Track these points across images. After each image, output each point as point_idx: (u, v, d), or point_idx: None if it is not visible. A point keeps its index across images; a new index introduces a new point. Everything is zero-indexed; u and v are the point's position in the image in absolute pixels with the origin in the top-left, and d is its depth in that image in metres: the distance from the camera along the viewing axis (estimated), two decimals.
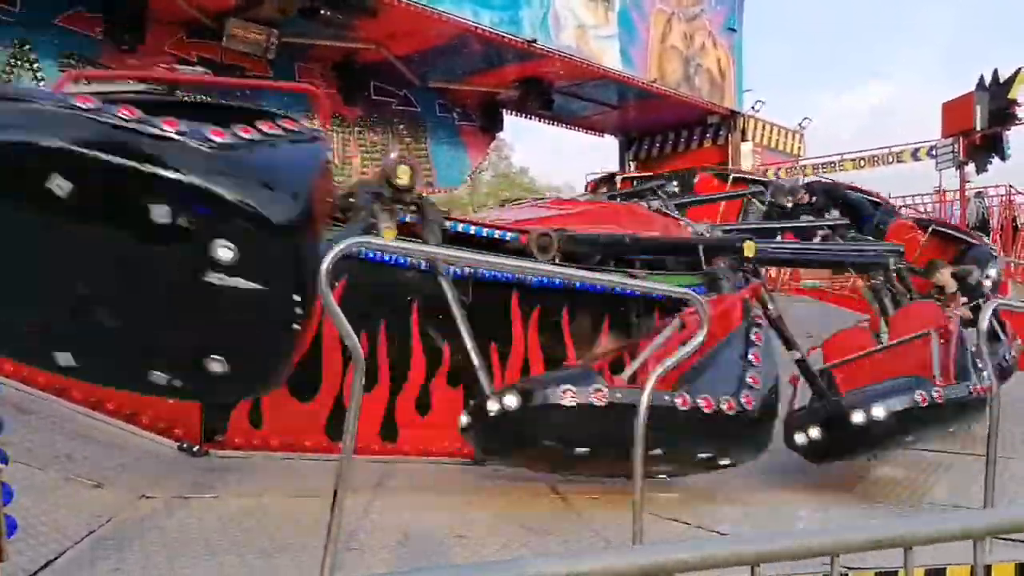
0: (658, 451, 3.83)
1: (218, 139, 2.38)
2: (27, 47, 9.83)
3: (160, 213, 2.29)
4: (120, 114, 2.27)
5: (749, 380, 4.19)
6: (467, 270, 4.72)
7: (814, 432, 4.70)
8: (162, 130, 2.29)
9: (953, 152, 16.02)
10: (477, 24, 11.35)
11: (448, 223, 4.96)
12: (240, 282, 2.39)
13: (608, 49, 13.52)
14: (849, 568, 3.26)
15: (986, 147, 16.08)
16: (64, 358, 2.55)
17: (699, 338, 3.36)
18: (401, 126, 13.62)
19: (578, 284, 4.95)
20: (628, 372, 4.16)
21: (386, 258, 4.69)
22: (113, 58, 10.36)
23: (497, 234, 5.15)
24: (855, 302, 9.13)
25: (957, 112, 15.96)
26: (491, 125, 15.05)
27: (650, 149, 17.25)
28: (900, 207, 12.85)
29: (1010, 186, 16.52)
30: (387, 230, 4.39)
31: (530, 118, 15.82)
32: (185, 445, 4.47)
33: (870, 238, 7.83)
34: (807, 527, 4.20)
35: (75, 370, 2.64)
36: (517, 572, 1.50)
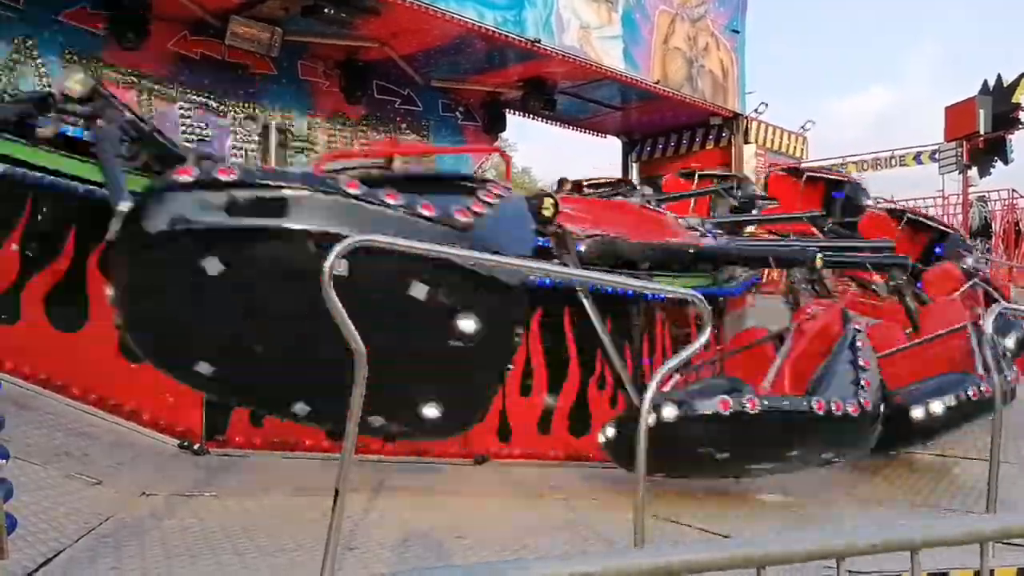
0: (793, 452, 4.42)
1: (463, 219, 2.83)
2: (30, 43, 9.83)
3: (418, 291, 2.76)
4: (388, 200, 2.73)
5: (863, 383, 4.49)
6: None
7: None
8: (421, 215, 2.75)
9: (956, 156, 16.01)
10: (481, 24, 11.35)
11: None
12: (475, 345, 2.82)
13: (611, 50, 13.51)
14: (853, 572, 3.25)
15: (989, 151, 16.08)
16: (300, 407, 3.03)
17: (703, 338, 3.36)
18: (404, 125, 13.62)
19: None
20: (768, 380, 4.42)
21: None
22: (116, 56, 10.37)
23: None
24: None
25: (960, 116, 15.96)
26: (494, 125, 15.04)
27: (653, 150, 17.22)
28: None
29: (1013, 190, 16.50)
30: None
31: (533, 118, 15.81)
32: (186, 443, 4.46)
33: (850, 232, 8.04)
34: (812, 530, 4.19)
35: (306, 417, 3.11)
36: (517, 573, 1.49)
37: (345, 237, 2.40)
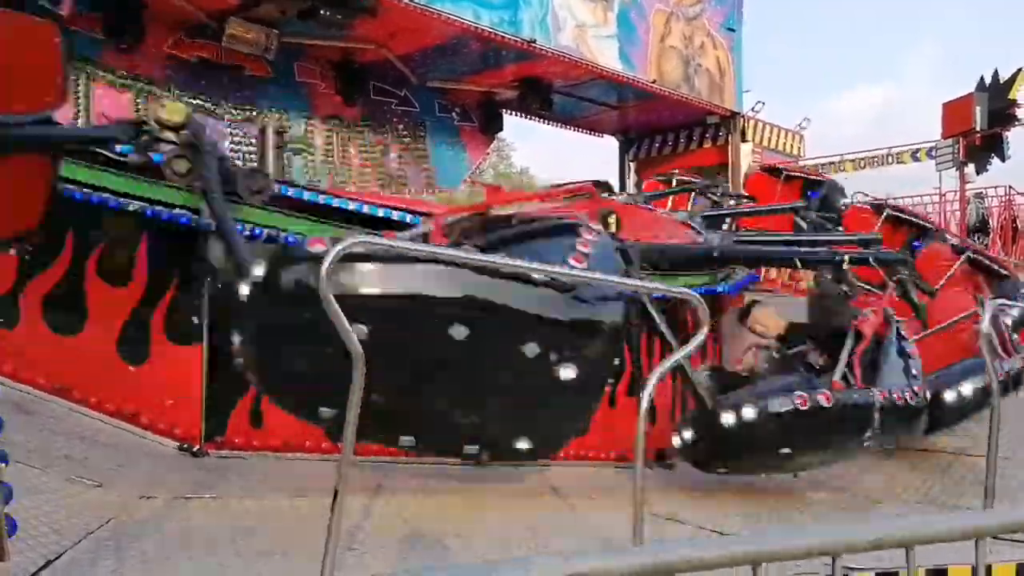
0: (869, 443, 4.64)
1: (578, 265, 3.18)
2: None
3: (530, 350, 3.12)
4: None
5: (915, 372, 4.80)
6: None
7: None
8: (534, 281, 3.07)
9: (953, 153, 16.00)
10: (477, 24, 11.34)
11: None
12: (571, 389, 3.10)
13: (607, 49, 13.49)
14: (850, 568, 3.26)
15: (986, 148, 16.05)
16: (407, 440, 3.37)
17: (699, 337, 3.37)
18: (400, 126, 13.60)
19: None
20: (837, 375, 4.54)
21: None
22: (111, 58, 10.35)
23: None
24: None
25: (957, 113, 15.94)
26: (491, 125, 15.02)
27: (649, 149, 17.20)
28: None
29: (1010, 187, 16.49)
30: None
31: (530, 118, 15.79)
32: (185, 445, 4.47)
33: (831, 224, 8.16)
34: (808, 527, 4.20)
35: (411, 446, 3.49)
36: (517, 572, 1.49)
37: (461, 300, 2.94)
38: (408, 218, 4.90)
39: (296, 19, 10.53)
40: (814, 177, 10.65)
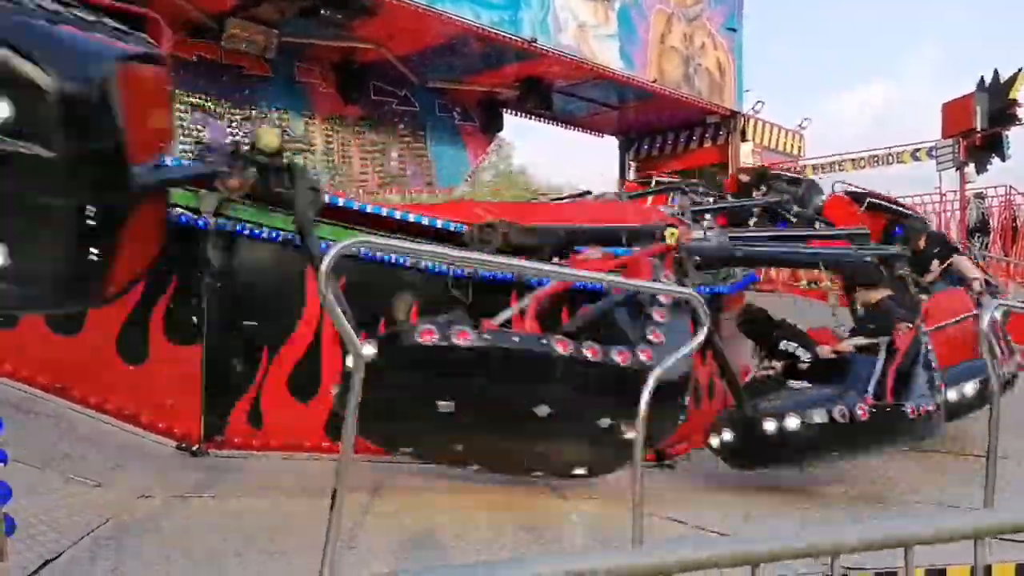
0: (879, 448, 5.10)
1: (646, 359, 3.64)
2: None
3: (542, 412, 3.54)
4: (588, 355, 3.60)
5: (937, 384, 5.11)
6: (467, 270, 4.71)
7: None
8: (615, 363, 3.64)
9: (953, 153, 15.97)
10: (477, 24, 11.33)
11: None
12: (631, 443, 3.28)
13: (608, 49, 13.49)
14: (849, 568, 3.26)
15: (986, 148, 16.03)
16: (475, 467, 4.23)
17: (699, 337, 3.39)
18: (401, 126, 13.60)
19: (578, 284, 4.93)
20: (871, 386, 4.89)
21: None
22: None
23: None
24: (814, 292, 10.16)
25: (957, 112, 15.91)
26: (491, 125, 15.02)
27: (650, 149, 17.20)
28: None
29: (1010, 187, 16.48)
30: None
31: (530, 118, 15.80)
32: (184, 445, 4.46)
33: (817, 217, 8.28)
34: (807, 527, 4.20)
35: (476, 470, 4.30)
36: (517, 572, 1.49)
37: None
38: (452, 226, 5.00)
39: (296, 19, 10.54)
40: (902, 209, 9.15)
